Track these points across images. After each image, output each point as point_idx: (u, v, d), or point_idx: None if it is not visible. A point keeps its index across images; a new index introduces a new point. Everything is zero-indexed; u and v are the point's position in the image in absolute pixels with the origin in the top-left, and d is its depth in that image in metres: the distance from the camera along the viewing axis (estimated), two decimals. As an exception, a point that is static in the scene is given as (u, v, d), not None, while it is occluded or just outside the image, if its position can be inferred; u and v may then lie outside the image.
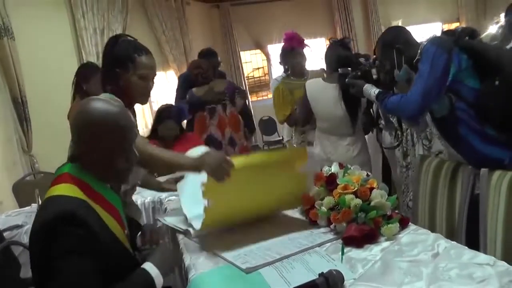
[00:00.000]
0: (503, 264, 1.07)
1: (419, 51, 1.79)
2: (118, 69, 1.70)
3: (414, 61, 1.82)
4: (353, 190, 1.39)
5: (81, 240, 1.10)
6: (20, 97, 3.76)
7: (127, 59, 1.70)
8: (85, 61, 4.86)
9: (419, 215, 2.07)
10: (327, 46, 2.80)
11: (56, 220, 1.10)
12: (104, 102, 1.25)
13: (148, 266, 1.22)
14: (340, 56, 2.55)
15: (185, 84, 3.51)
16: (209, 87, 3.23)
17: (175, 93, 3.72)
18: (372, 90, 2.04)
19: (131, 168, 1.32)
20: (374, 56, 2.30)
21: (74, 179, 1.21)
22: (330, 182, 1.47)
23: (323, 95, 2.56)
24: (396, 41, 1.90)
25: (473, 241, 1.61)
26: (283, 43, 3.21)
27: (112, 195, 1.32)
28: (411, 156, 2.65)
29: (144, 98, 1.77)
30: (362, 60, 2.80)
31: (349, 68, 2.46)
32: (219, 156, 1.46)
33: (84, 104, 1.25)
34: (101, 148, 1.22)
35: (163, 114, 3.07)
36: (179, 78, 3.95)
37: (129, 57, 1.70)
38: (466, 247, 1.20)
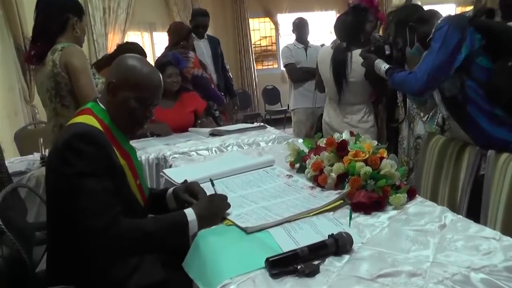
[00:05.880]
0: (508, 239, 1.09)
1: (433, 30, 1.78)
2: (72, 15, 1.93)
3: (428, 39, 1.80)
4: (364, 158, 1.39)
5: (99, 161, 1.16)
6: (24, 46, 3.66)
7: (81, 9, 1.99)
8: (90, 15, 4.77)
9: (421, 191, 2.09)
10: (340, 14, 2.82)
11: (74, 138, 1.15)
12: (146, 62, 1.37)
13: (188, 210, 1.24)
14: (346, 25, 2.60)
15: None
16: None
17: None
18: (382, 65, 2.07)
19: (143, 123, 1.36)
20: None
21: (95, 115, 1.27)
22: (341, 148, 1.47)
23: (326, 61, 2.66)
24: (410, 18, 1.90)
25: (473, 220, 1.64)
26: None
27: (127, 144, 1.36)
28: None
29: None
30: (376, 35, 2.79)
31: (344, 44, 2.55)
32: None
33: (126, 56, 1.37)
34: (126, 94, 1.29)
35: (163, 61, 2.84)
36: None
37: (82, 8, 2.00)
38: (472, 221, 1.22)
